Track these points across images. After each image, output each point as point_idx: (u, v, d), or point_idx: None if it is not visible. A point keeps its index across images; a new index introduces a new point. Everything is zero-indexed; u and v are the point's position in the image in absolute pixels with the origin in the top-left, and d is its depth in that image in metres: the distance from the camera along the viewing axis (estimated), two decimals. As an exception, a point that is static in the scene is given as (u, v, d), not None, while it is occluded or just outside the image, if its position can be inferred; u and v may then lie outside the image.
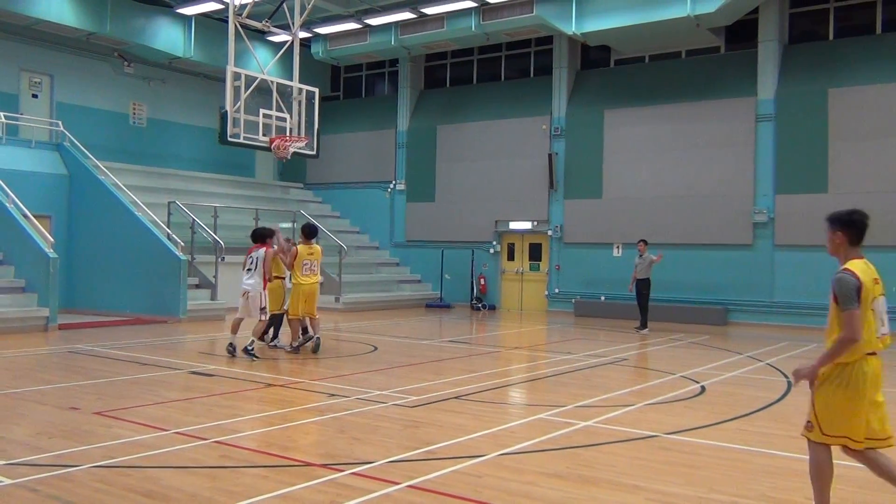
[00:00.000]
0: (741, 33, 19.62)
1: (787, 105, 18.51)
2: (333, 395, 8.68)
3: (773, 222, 18.49)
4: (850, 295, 4.46)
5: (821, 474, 4.57)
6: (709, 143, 19.47)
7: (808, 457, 4.66)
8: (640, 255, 16.78)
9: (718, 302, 18.96)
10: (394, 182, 24.72)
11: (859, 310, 4.42)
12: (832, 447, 4.53)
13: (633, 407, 8.32)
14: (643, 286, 16.61)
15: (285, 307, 12.21)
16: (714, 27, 18.90)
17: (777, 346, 14.35)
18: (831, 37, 18.84)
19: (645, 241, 16.92)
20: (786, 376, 10.67)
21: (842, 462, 6.22)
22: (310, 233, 12.12)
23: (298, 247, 11.98)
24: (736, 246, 18.93)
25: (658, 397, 8.89)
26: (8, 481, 5.24)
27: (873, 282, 4.58)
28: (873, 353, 4.52)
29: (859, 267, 4.57)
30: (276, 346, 12.64)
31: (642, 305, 16.68)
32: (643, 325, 16.58)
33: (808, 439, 4.60)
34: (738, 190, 18.97)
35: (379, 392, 8.84)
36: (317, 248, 12.04)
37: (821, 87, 18.15)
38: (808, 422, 4.59)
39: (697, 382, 9.92)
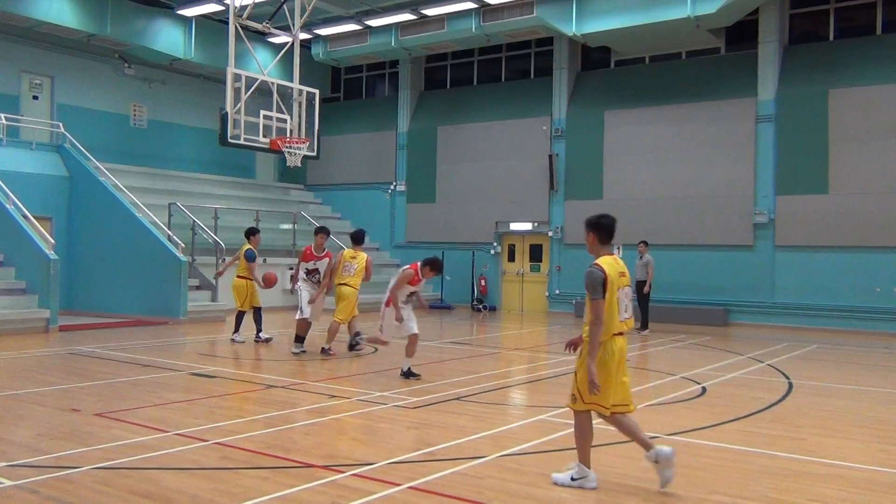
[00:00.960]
0: (741, 34, 19.63)
1: (788, 106, 18.51)
2: (334, 396, 8.68)
3: (774, 223, 18.50)
4: (596, 286, 5.24)
5: (584, 435, 5.42)
6: (709, 144, 19.47)
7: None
8: (641, 257, 16.74)
9: (719, 303, 18.95)
10: (394, 183, 24.73)
11: (603, 299, 5.22)
12: (592, 413, 5.41)
13: (633, 408, 8.30)
14: (641, 287, 16.61)
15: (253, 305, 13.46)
16: (714, 28, 18.91)
17: (778, 346, 14.34)
18: (832, 37, 18.85)
19: (645, 243, 16.91)
20: (787, 377, 10.67)
21: (840, 462, 6.22)
22: (355, 239, 12.46)
23: (343, 251, 12.40)
24: (737, 247, 18.93)
25: (659, 398, 8.89)
26: (8, 483, 5.24)
27: (619, 275, 5.36)
28: (620, 334, 5.36)
29: (607, 262, 5.35)
30: (260, 340, 13.39)
31: (642, 306, 16.68)
32: (644, 326, 16.57)
33: (572, 409, 5.43)
34: (739, 191, 18.97)
35: (380, 393, 8.84)
36: (361, 254, 12.11)
37: (821, 87, 18.15)
38: (572, 395, 5.41)
39: (698, 383, 9.92)
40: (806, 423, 7.81)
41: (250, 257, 13.44)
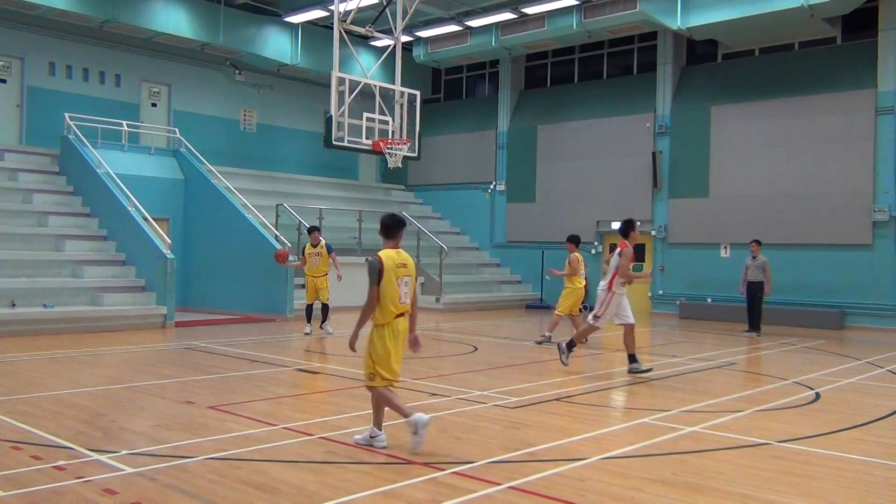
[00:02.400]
0: (859, 22, 18.63)
1: (912, 96, 17.45)
2: (434, 394, 8.76)
3: (896, 221, 17.49)
4: (372, 275, 6.12)
5: (383, 401, 6.27)
6: (824, 139, 18.57)
7: None
8: (753, 257, 16.09)
9: (835, 305, 18.05)
10: (494, 183, 24.75)
11: (378, 286, 6.10)
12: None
13: (742, 413, 8.03)
14: (757, 289, 15.88)
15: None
16: (830, 17, 18.01)
17: (900, 352, 13.53)
18: (961, 22, 17.63)
19: (758, 242, 16.24)
20: (910, 384, 10.06)
21: (842, 454, 5.82)
22: (573, 240, 13.99)
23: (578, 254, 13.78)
24: (854, 246, 17.99)
25: (769, 403, 8.55)
26: (130, 470, 5.55)
27: (398, 266, 6.24)
28: (401, 315, 6.23)
29: (387, 254, 6.24)
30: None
31: (755, 309, 15.97)
32: (754, 328, 15.92)
33: (372, 387, 6.25)
34: (857, 187, 18.02)
35: (480, 392, 8.87)
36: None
37: (949, 76, 17.01)
38: (369, 374, 6.24)
39: (812, 389, 9.48)
40: (932, 433, 7.35)
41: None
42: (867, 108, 18.03)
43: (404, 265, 6.28)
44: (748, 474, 5.76)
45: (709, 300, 19.85)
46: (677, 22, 18.75)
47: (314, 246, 14.75)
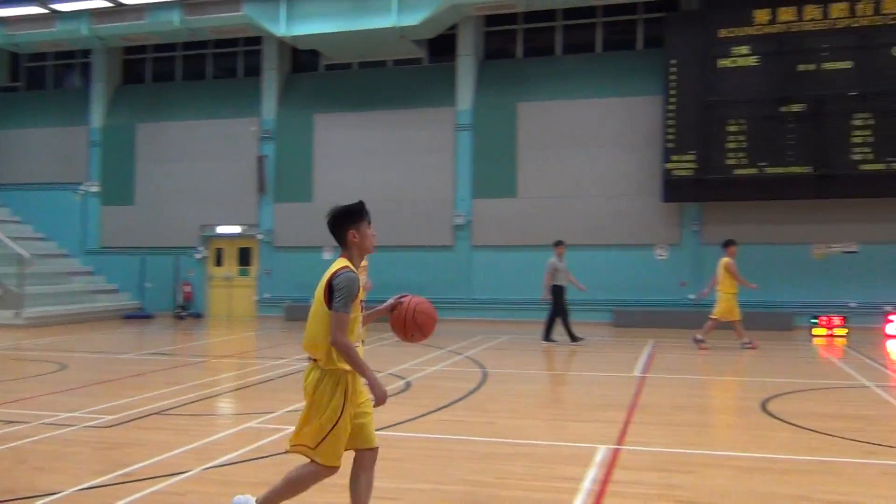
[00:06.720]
0: (442, 47, 20.80)
1: (483, 116, 19.99)
2: (11, 422, 7.72)
3: (471, 224, 19.85)
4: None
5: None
6: (414, 150, 20.39)
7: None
8: (560, 259, 14.44)
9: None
10: (86, 183, 22.68)
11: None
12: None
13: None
14: (560, 294, 14.40)
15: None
16: (417, 39, 19.85)
17: (475, 339, 15.40)
18: (520, 55, 20.68)
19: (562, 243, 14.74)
20: (482, 367, 11.50)
21: (525, 441, 6.84)
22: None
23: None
24: (438, 247, 20.04)
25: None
26: None
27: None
28: None
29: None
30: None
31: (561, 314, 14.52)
32: (574, 338, 14.43)
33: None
34: (441, 194, 20.11)
35: (68, 414, 8.04)
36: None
37: (511, 100, 19.84)
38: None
39: (403, 378, 10.33)
40: (497, 407, 8.48)
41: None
42: (449, 123, 20.24)
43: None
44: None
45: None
46: (282, 29, 19.09)
47: None
